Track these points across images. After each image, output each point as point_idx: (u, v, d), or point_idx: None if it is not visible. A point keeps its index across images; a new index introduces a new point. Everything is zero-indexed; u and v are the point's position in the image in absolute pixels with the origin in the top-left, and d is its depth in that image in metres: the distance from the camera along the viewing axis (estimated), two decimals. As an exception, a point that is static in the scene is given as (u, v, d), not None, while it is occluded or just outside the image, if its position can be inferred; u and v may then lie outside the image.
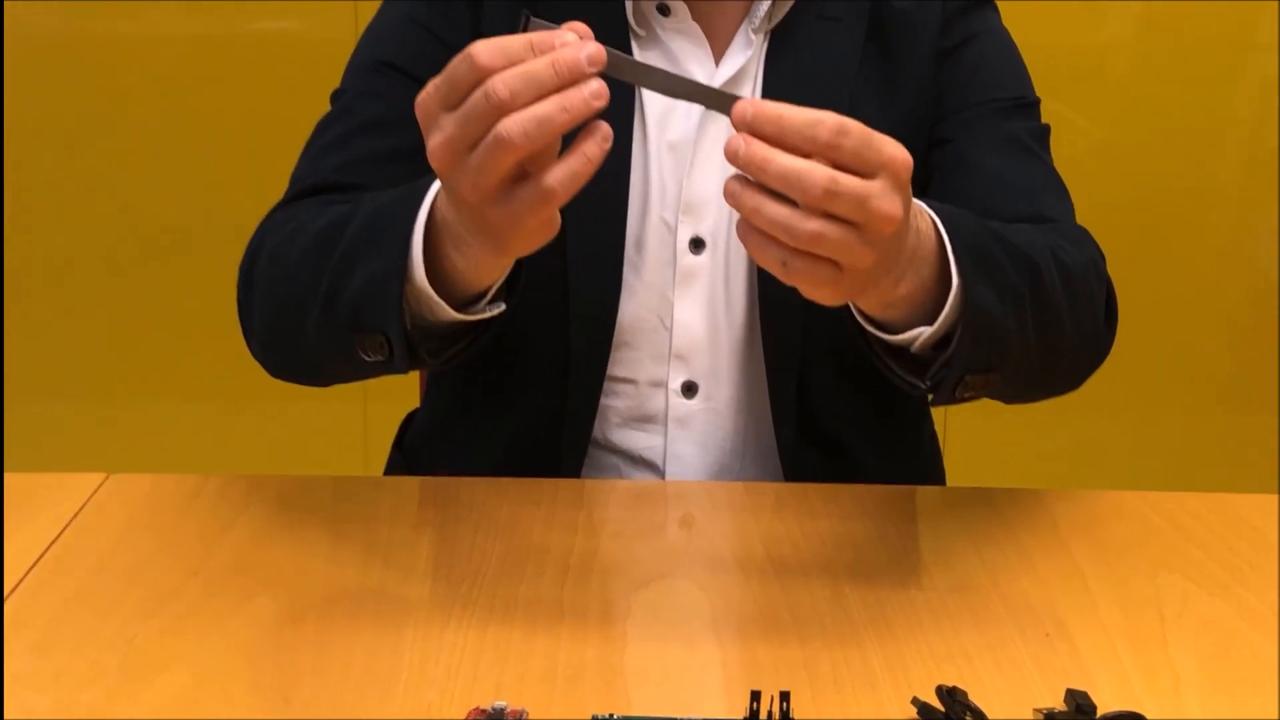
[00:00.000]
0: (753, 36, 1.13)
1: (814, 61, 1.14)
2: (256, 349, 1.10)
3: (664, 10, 1.13)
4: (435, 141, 0.82)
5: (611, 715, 0.78)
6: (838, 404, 1.18)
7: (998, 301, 0.92)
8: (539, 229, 0.84)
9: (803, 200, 0.79)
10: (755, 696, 0.79)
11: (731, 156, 0.79)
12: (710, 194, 1.14)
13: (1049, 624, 0.91)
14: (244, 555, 0.98)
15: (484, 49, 0.79)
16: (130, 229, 2.27)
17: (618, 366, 1.17)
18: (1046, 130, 1.19)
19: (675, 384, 1.18)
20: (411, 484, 1.14)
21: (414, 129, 1.09)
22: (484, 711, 0.79)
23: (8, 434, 2.23)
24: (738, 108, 0.80)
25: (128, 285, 2.29)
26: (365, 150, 1.11)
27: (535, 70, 0.79)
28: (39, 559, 0.98)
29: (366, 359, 0.96)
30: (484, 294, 0.95)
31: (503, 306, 0.96)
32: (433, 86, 0.82)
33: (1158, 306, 2.29)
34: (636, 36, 1.13)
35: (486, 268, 0.92)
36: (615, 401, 1.18)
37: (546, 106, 0.79)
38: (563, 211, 1.10)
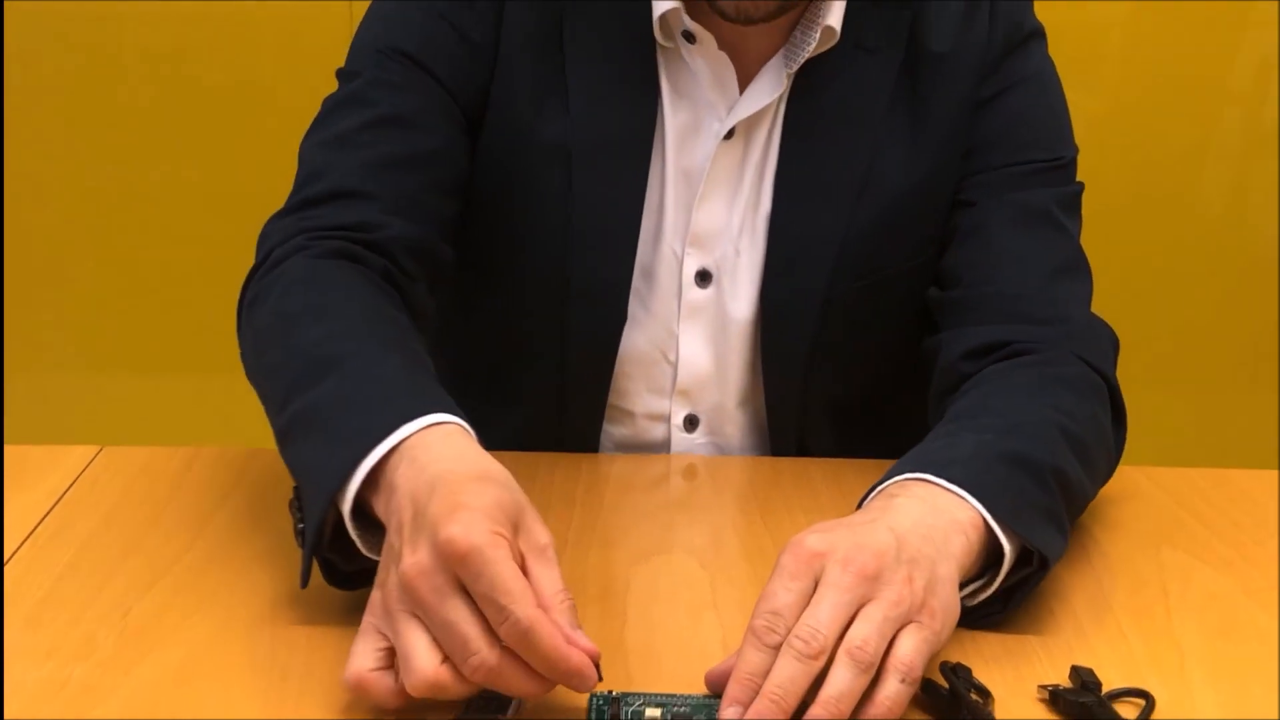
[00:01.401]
0: (785, 78, 1.06)
1: (841, 102, 1.07)
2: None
3: (689, 37, 1.06)
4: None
5: (611, 692, 0.77)
6: (837, 448, 1.16)
7: (1047, 534, 0.86)
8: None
9: (825, 661, 0.74)
10: (763, 673, 0.78)
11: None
12: (718, 226, 1.09)
13: (1053, 601, 0.90)
14: (240, 528, 0.96)
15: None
16: (126, 202, 2.25)
17: (616, 396, 1.15)
18: (1078, 192, 1.11)
19: (678, 419, 1.15)
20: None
21: (433, 131, 1.07)
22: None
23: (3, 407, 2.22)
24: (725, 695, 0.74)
25: (123, 258, 2.27)
26: (384, 153, 1.04)
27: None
28: (32, 532, 0.96)
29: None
30: None
31: None
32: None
33: (1156, 283, 2.29)
34: (663, 49, 1.07)
35: None
36: (614, 429, 1.17)
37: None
38: (569, 240, 1.08)
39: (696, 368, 1.13)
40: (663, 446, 1.16)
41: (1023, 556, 0.86)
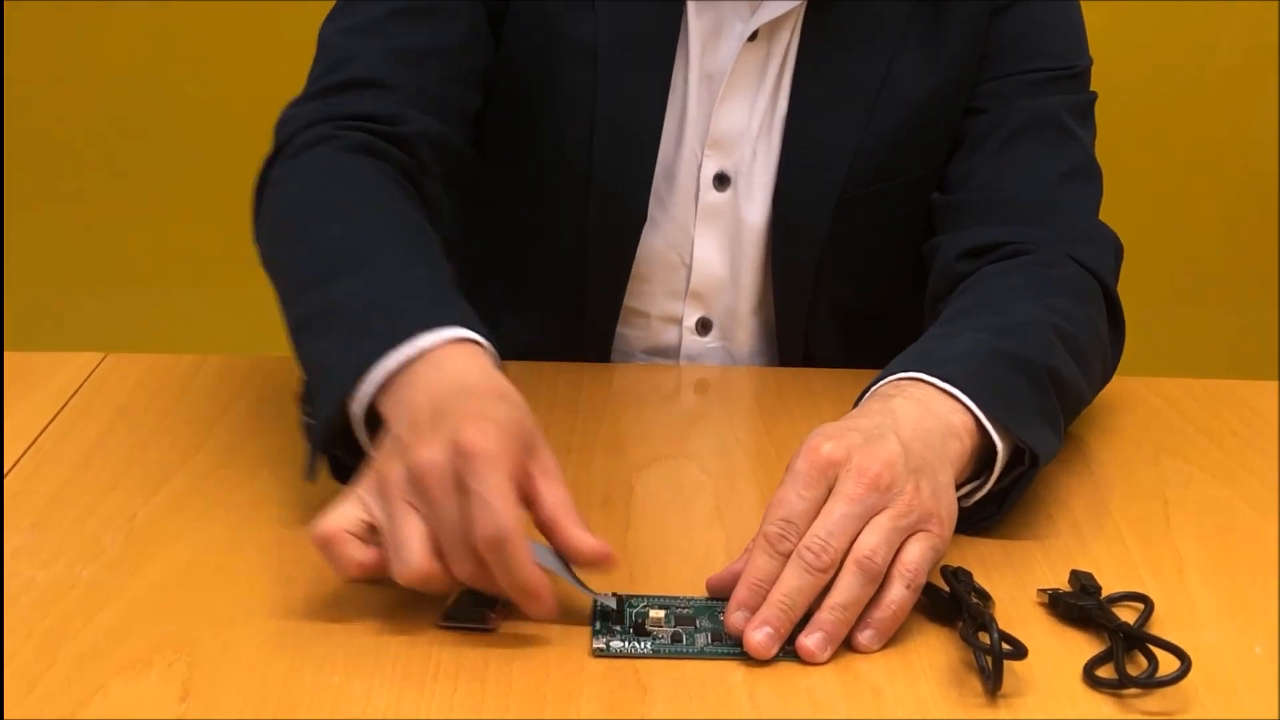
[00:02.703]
0: None
1: (862, 8, 1.06)
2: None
3: None
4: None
5: (613, 594, 0.77)
6: (843, 357, 1.15)
7: (1041, 435, 0.86)
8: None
9: (836, 572, 0.74)
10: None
11: (764, 653, 0.73)
12: (738, 128, 1.08)
13: (1052, 507, 0.90)
14: (244, 435, 0.96)
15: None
16: (130, 113, 2.23)
17: (632, 298, 1.14)
18: (1091, 101, 1.10)
19: (690, 321, 1.15)
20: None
21: (457, 22, 1.05)
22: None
23: (8, 317, 2.21)
24: (731, 623, 0.74)
25: (127, 169, 2.26)
26: (409, 43, 1.03)
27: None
28: (37, 437, 0.96)
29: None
30: None
31: None
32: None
33: (1158, 200, 2.28)
34: None
35: None
36: (629, 331, 1.16)
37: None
38: (593, 139, 1.07)
39: (711, 271, 1.12)
40: (675, 350, 1.16)
41: (1016, 456, 0.86)
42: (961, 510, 0.82)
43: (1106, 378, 1.01)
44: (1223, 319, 2.39)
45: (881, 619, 0.74)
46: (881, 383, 0.86)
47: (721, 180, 1.10)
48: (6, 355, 1.07)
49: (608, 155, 1.08)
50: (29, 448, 0.94)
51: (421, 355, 0.78)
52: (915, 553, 0.76)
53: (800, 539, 0.74)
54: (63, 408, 1.00)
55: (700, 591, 0.79)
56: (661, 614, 0.76)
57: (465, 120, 1.06)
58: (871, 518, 0.75)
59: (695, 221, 1.11)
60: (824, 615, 0.73)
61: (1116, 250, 1.05)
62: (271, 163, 0.99)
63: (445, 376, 0.77)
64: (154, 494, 0.89)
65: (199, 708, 0.68)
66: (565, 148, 1.08)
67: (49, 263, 2.30)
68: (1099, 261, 1.01)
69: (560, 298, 1.15)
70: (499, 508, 0.71)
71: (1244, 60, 2.29)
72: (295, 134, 0.98)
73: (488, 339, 0.82)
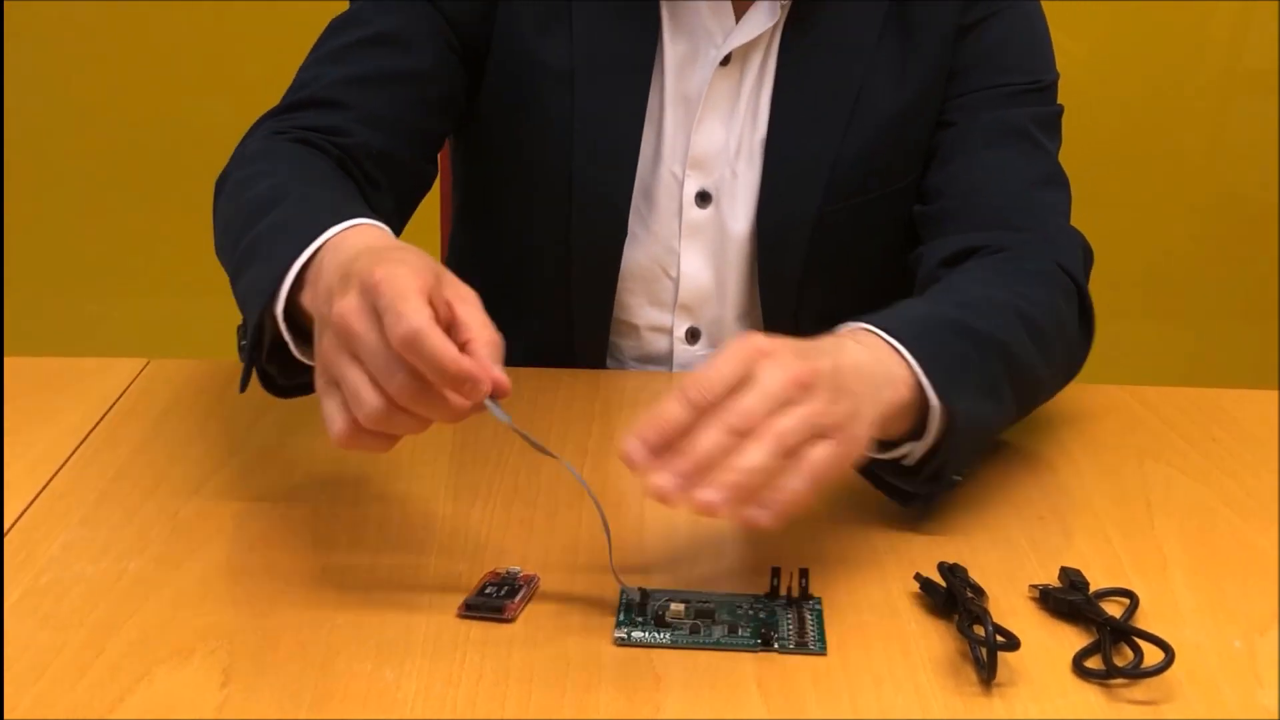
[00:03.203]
0: (779, 8, 1.07)
1: (831, 34, 1.07)
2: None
3: None
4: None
5: (639, 587, 0.78)
6: None
7: (976, 402, 0.85)
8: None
9: (736, 448, 0.72)
10: (775, 572, 0.79)
11: (664, 497, 0.71)
12: (716, 149, 1.10)
13: (1043, 508, 0.91)
14: (281, 437, 0.97)
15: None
16: (180, 124, 2.23)
17: (621, 310, 1.15)
18: (1057, 114, 1.11)
19: (680, 331, 1.16)
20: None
21: (422, 51, 1.07)
22: (498, 574, 0.79)
23: (54, 324, 2.23)
24: (632, 444, 0.72)
25: (172, 181, 2.27)
26: (369, 68, 1.05)
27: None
28: (86, 437, 0.97)
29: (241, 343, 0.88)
30: None
31: None
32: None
33: (1135, 215, 2.28)
34: None
35: None
36: (621, 341, 1.17)
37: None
38: (572, 158, 1.08)
39: (697, 283, 1.13)
40: (667, 358, 1.17)
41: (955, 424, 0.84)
42: (902, 475, 0.84)
43: (1073, 368, 1.01)
44: (1200, 331, 2.39)
45: (775, 499, 0.72)
46: (836, 330, 0.85)
47: (704, 198, 1.11)
48: (55, 361, 1.09)
49: (587, 175, 1.09)
50: (78, 448, 0.96)
51: (324, 244, 0.80)
52: (822, 453, 0.73)
53: (716, 401, 0.72)
54: (109, 410, 1.02)
55: (714, 586, 0.80)
56: (682, 607, 0.77)
57: (423, 142, 1.08)
58: (787, 409, 0.73)
59: (680, 237, 1.12)
60: (725, 475, 0.71)
61: (1087, 254, 1.05)
62: (222, 173, 1.01)
63: (348, 248, 0.78)
64: (196, 492, 0.90)
65: (239, 693, 0.69)
66: (546, 167, 1.10)
67: (94, 272, 2.31)
68: (1072, 262, 1.01)
69: (551, 311, 1.16)
70: (406, 310, 0.69)
71: (1221, 84, 2.30)
72: (244, 141, 1.02)
73: (386, 225, 0.83)
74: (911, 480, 0.86)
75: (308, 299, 0.79)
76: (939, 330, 0.86)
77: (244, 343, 0.84)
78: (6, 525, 0.85)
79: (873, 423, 0.79)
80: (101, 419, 1.00)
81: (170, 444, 0.96)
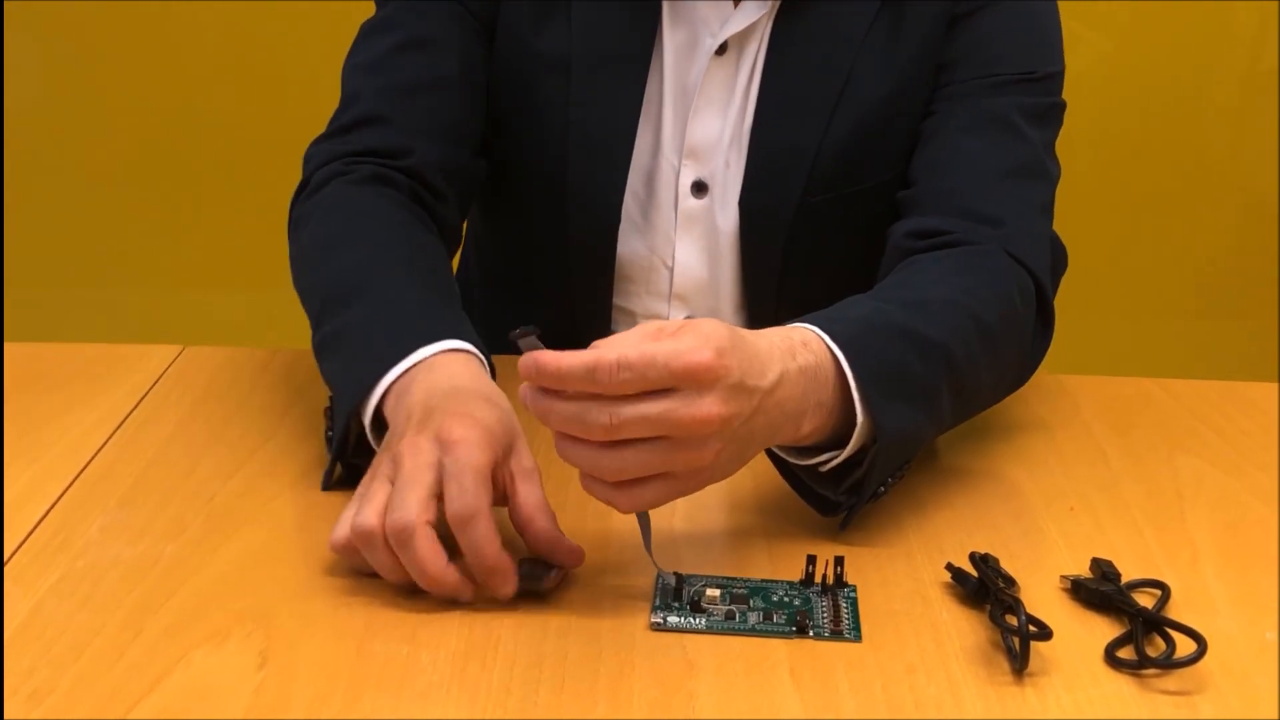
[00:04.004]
0: None
1: (822, 24, 1.05)
2: None
3: None
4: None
5: (674, 572, 0.77)
6: None
7: (910, 414, 0.83)
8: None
9: (592, 439, 0.72)
10: (811, 560, 0.78)
11: (525, 406, 0.73)
12: (711, 139, 1.08)
13: (1073, 499, 0.90)
14: (314, 423, 0.97)
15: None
16: (210, 113, 2.24)
17: (620, 298, 1.14)
18: (1051, 105, 1.07)
19: (676, 319, 1.15)
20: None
21: (456, 51, 1.07)
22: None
23: (92, 314, 2.23)
24: (521, 364, 0.72)
25: (204, 171, 2.28)
26: (410, 77, 1.05)
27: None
28: (122, 423, 0.97)
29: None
30: None
31: None
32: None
33: (1160, 213, 2.27)
34: None
35: None
36: (621, 329, 1.16)
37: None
38: (567, 147, 1.08)
39: (692, 274, 1.12)
40: None
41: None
42: (821, 482, 0.83)
43: (1021, 371, 0.99)
44: (1231, 327, 2.38)
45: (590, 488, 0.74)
46: (797, 325, 0.83)
47: (699, 188, 1.10)
48: (92, 347, 1.09)
49: (582, 164, 1.08)
50: (114, 433, 0.95)
51: (417, 364, 0.83)
52: (651, 494, 0.74)
53: (608, 378, 0.71)
54: (145, 396, 1.01)
55: (751, 572, 0.79)
56: (718, 593, 0.76)
57: (472, 141, 1.09)
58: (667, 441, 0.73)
59: (676, 227, 1.11)
60: (565, 446, 0.73)
61: (1057, 253, 1.03)
62: (296, 199, 1.04)
63: (439, 377, 0.82)
64: (231, 477, 0.90)
65: (276, 675, 0.69)
66: (542, 156, 1.09)
67: (131, 262, 2.33)
68: (1034, 259, 0.99)
69: (552, 299, 1.15)
70: (470, 487, 0.73)
71: (1242, 84, 2.28)
72: (314, 172, 1.04)
73: (479, 349, 0.86)
74: (833, 488, 0.85)
75: (390, 409, 0.83)
76: (882, 336, 0.84)
77: (330, 434, 0.89)
78: (46, 509, 0.85)
79: (755, 453, 0.79)
80: (138, 405, 1.00)
81: (206, 429, 0.96)
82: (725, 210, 1.09)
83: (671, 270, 1.12)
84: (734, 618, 0.74)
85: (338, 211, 1.00)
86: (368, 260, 0.94)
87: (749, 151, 1.08)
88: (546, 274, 1.15)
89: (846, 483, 0.84)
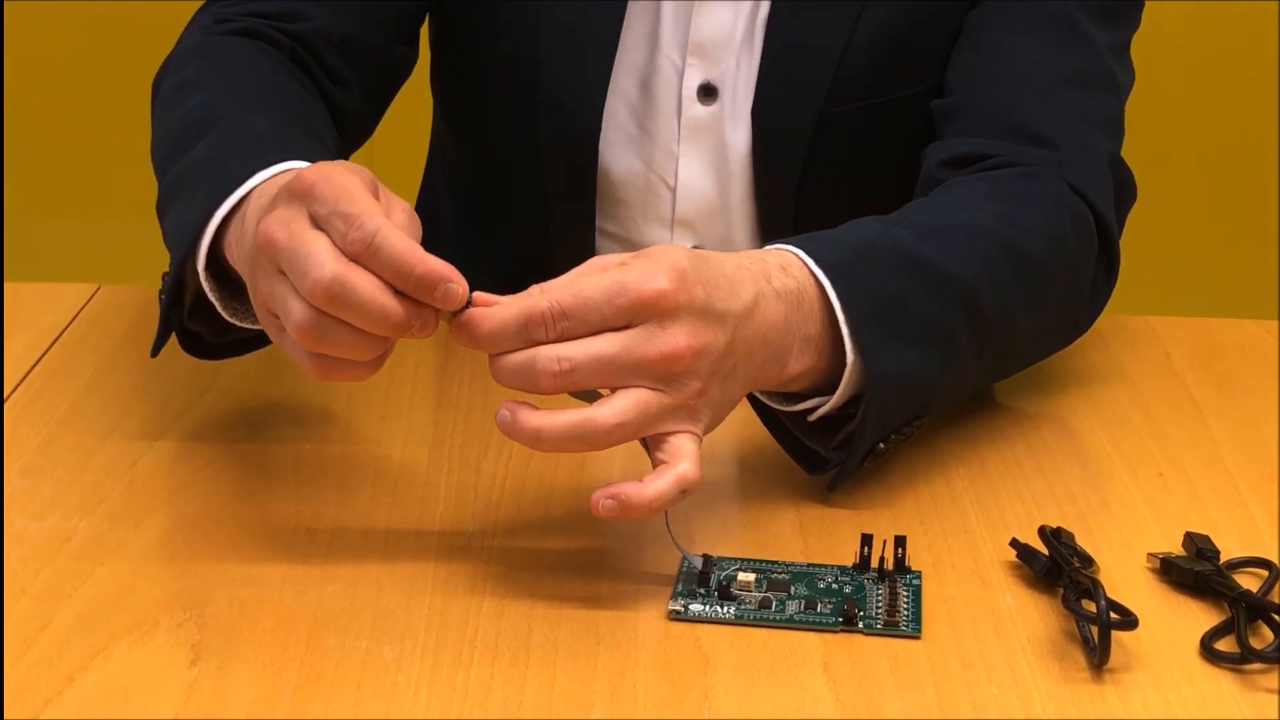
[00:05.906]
0: None
1: None
2: None
3: None
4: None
5: (702, 555, 0.77)
6: None
7: (913, 356, 0.83)
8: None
9: (545, 392, 0.73)
10: (866, 540, 0.78)
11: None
12: (722, 33, 1.06)
13: (1163, 464, 0.90)
14: (256, 376, 0.97)
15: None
16: (127, 48, 2.25)
17: (610, 221, 1.13)
18: (1124, 5, 1.05)
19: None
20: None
21: None
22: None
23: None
24: (453, 328, 0.73)
25: (119, 103, 2.28)
26: None
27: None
28: (28, 374, 0.97)
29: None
30: None
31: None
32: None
33: (1264, 124, 2.27)
34: None
35: None
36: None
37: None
38: (539, 37, 1.06)
39: (698, 196, 1.11)
40: None
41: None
42: (810, 434, 0.83)
43: (1078, 317, 0.98)
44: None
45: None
46: (775, 247, 0.83)
47: (707, 92, 1.08)
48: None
49: (556, 58, 1.07)
50: (16, 387, 0.95)
51: (250, 192, 0.80)
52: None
53: (554, 324, 0.73)
54: (54, 343, 1.01)
55: (784, 555, 0.79)
56: (752, 578, 0.76)
57: (391, 23, 1.07)
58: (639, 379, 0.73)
59: (679, 140, 1.10)
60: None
61: (1122, 180, 1.01)
62: (160, 71, 1.02)
63: (273, 187, 0.78)
64: (158, 438, 0.89)
65: (211, 673, 0.69)
66: (511, 53, 1.08)
67: (36, 189, 2.33)
68: (1096, 187, 0.98)
69: (529, 226, 1.15)
70: (355, 210, 0.70)
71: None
72: (184, 33, 1.03)
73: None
74: (824, 443, 0.84)
75: (230, 243, 0.80)
76: (884, 263, 0.84)
77: (163, 298, 0.85)
78: (-65, 476, 0.85)
79: (742, 396, 0.79)
80: (44, 354, 1.00)
81: (127, 381, 0.96)
82: (736, 123, 1.08)
83: (674, 191, 1.11)
84: (770, 606, 0.74)
85: (193, 60, 0.99)
86: (220, 98, 0.92)
87: (762, 49, 1.06)
88: (522, 196, 1.14)
89: (839, 436, 0.84)
